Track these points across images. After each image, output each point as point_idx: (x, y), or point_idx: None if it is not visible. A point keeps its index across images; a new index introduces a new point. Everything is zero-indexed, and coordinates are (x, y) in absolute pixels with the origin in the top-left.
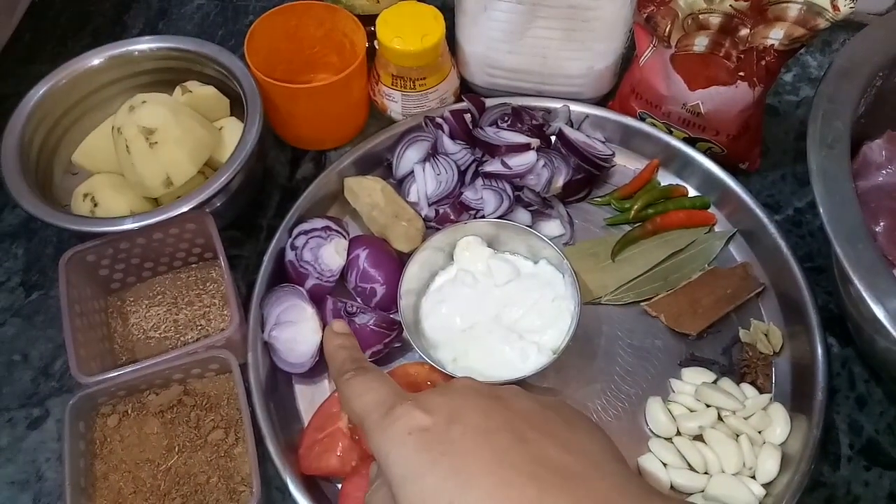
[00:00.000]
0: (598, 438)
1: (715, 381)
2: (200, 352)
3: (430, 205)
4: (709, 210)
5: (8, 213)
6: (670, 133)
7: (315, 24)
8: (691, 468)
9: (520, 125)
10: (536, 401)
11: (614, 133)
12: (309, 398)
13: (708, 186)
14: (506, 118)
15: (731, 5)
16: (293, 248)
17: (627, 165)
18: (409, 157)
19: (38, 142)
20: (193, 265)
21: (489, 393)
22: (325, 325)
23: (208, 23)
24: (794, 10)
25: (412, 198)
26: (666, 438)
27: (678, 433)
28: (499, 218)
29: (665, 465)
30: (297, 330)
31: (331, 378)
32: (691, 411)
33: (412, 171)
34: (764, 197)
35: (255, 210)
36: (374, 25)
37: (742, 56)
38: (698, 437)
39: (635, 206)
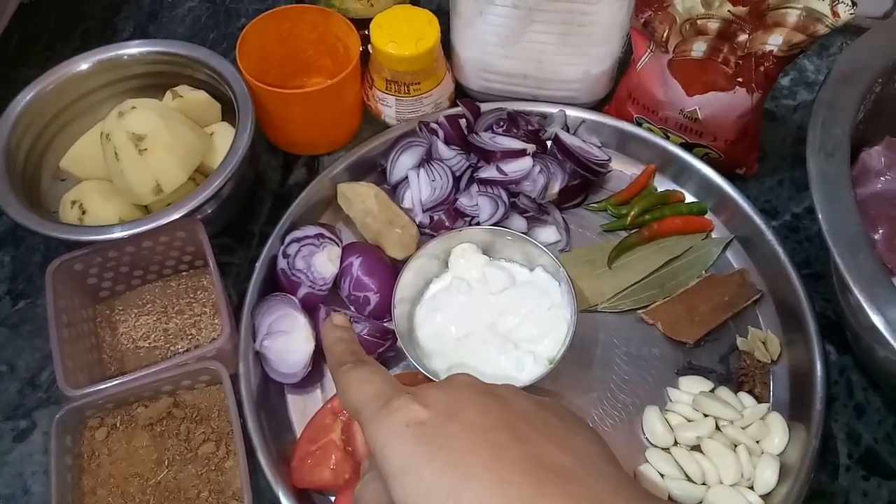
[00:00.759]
0: (594, 440)
1: (712, 390)
2: (190, 363)
3: (424, 211)
4: (706, 216)
5: None
6: (667, 138)
7: (308, 28)
8: (689, 479)
9: (515, 130)
10: (534, 400)
11: (610, 138)
12: (301, 409)
13: (705, 192)
14: (501, 123)
15: (729, 10)
16: (285, 255)
17: (624, 171)
18: (403, 163)
19: (25, 147)
20: (184, 273)
21: (487, 390)
22: (317, 334)
23: (200, 26)
24: (793, 16)
25: (406, 204)
26: (663, 449)
27: (675, 443)
28: (494, 225)
29: (663, 475)
30: (289, 339)
31: (328, 371)
32: (689, 421)
33: (406, 177)
34: (761, 203)
35: (246, 216)
36: (368, 29)
37: (740, 62)
38: (696, 448)
39: (632, 212)
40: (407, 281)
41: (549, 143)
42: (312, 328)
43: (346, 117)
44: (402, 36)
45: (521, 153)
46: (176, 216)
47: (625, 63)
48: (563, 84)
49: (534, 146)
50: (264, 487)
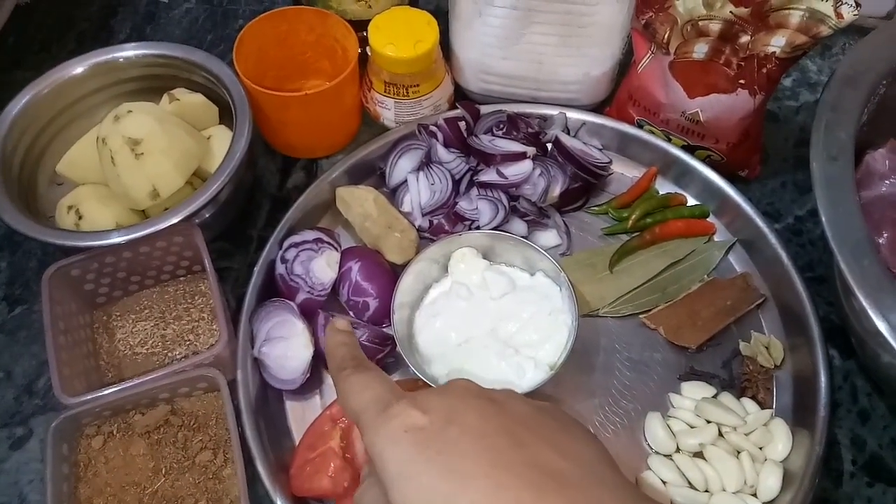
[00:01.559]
0: (592, 444)
1: (715, 396)
2: (188, 370)
3: (423, 215)
4: (708, 219)
5: None
6: (669, 140)
7: (306, 30)
8: (692, 486)
9: (515, 133)
10: (532, 405)
11: (611, 140)
12: (300, 416)
13: (707, 195)
14: (501, 126)
15: (731, 12)
16: (283, 261)
17: (625, 173)
18: (402, 166)
19: (21, 152)
20: (181, 278)
21: (486, 395)
22: (316, 340)
23: (197, 28)
24: (796, 17)
25: (405, 208)
26: (665, 455)
27: (678, 450)
28: (494, 228)
29: (665, 482)
30: (287, 346)
31: (327, 377)
32: (691, 427)
33: (405, 181)
34: (764, 205)
35: (244, 221)
36: (367, 31)
37: (742, 63)
38: (698, 454)
39: (633, 216)
40: (406, 286)
41: (549, 146)
42: (311, 334)
43: (345, 120)
44: (400, 38)
45: (521, 156)
46: (173, 221)
47: (626, 65)
48: (564, 86)
49: (534, 149)
50: (262, 496)
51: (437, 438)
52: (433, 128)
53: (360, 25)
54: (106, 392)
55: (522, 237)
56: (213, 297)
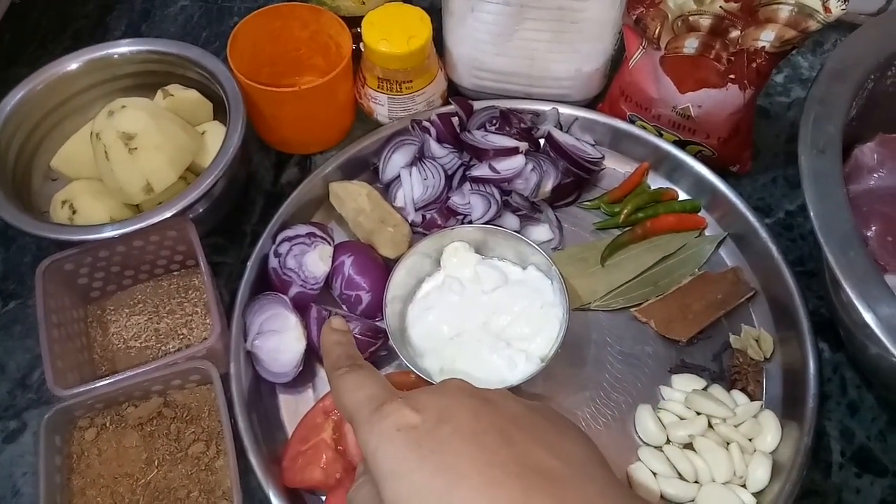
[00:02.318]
0: (583, 443)
1: (705, 388)
2: (181, 362)
3: (416, 210)
4: (699, 214)
5: None
6: (660, 136)
7: (300, 26)
8: (681, 477)
9: (508, 128)
10: (524, 404)
11: (604, 136)
12: (293, 408)
13: (698, 190)
14: (494, 121)
15: (721, 7)
16: (276, 254)
17: (617, 168)
18: (395, 162)
19: (15, 147)
20: (175, 273)
21: (478, 394)
22: (309, 333)
23: (192, 24)
24: (785, 12)
25: (399, 203)
26: (656, 447)
27: (668, 441)
28: (486, 223)
29: (655, 474)
30: (280, 339)
31: (324, 373)
32: (681, 419)
33: (399, 176)
34: (755, 200)
35: (238, 216)
36: (360, 27)
37: (732, 58)
38: (688, 446)
39: (625, 210)
40: (399, 280)
41: (541, 142)
42: (304, 327)
43: (339, 116)
44: (393, 34)
45: (513, 151)
46: (167, 215)
47: (618, 61)
48: (556, 82)
49: (526, 144)
50: (255, 487)
51: (429, 437)
52: (426, 123)
53: (354, 21)
54: (99, 384)
55: (515, 231)
56: (207, 290)
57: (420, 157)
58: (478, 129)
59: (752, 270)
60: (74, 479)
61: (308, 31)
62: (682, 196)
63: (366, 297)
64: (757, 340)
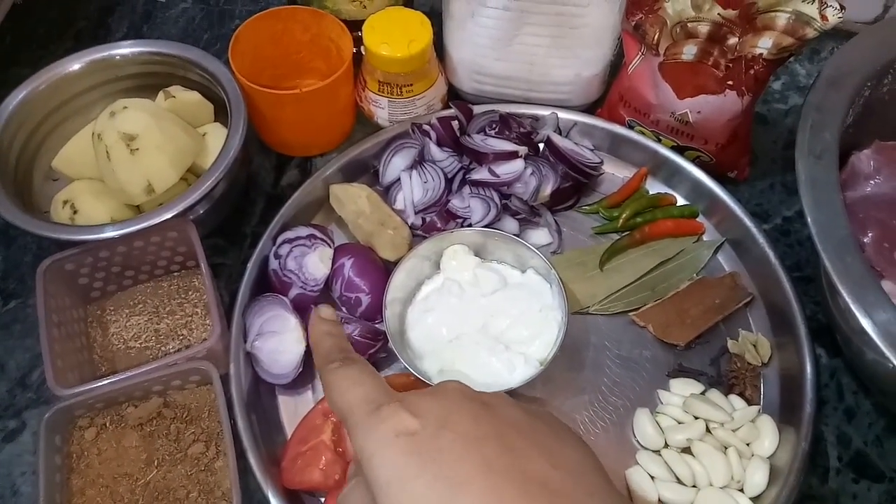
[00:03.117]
0: (584, 452)
1: (703, 393)
2: (181, 363)
3: (416, 213)
4: (697, 219)
5: None
6: (659, 141)
7: (301, 29)
8: (679, 481)
9: (507, 132)
10: (523, 409)
11: (602, 141)
12: (292, 410)
13: (696, 195)
14: (493, 125)
15: (719, 14)
16: (277, 256)
17: (616, 174)
18: (395, 165)
19: (17, 147)
20: (175, 273)
21: (477, 398)
22: (308, 335)
23: (193, 27)
24: (782, 20)
25: (399, 205)
26: (654, 451)
27: (666, 445)
28: (486, 226)
29: (653, 478)
30: (280, 340)
31: (315, 367)
32: (679, 423)
33: (399, 179)
34: (752, 206)
35: (238, 217)
36: (361, 31)
37: (731, 65)
38: (686, 450)
39: (623, 215)
40: (398, 282)
41: (541, 146)
42: (304, 329)
43: (339, 119)
44: (394, 37)
45: (513, 155)
46: (167, 216)
47: (617, 66)
48: (555, 87)
49: (526, 148)
50: (254, 488)
51: (429, 445)
52: (426, 127)
53: (355, 25)
54: (99, 384)
55: (514, 235)
56: (207, 291)
57: (420, 161)
58: (478, 132)
59: (749, 276)
60: (74, 479)
61: (309, 35)
62: (681, 201)
63: (365, 300)
64: (754, 345)
